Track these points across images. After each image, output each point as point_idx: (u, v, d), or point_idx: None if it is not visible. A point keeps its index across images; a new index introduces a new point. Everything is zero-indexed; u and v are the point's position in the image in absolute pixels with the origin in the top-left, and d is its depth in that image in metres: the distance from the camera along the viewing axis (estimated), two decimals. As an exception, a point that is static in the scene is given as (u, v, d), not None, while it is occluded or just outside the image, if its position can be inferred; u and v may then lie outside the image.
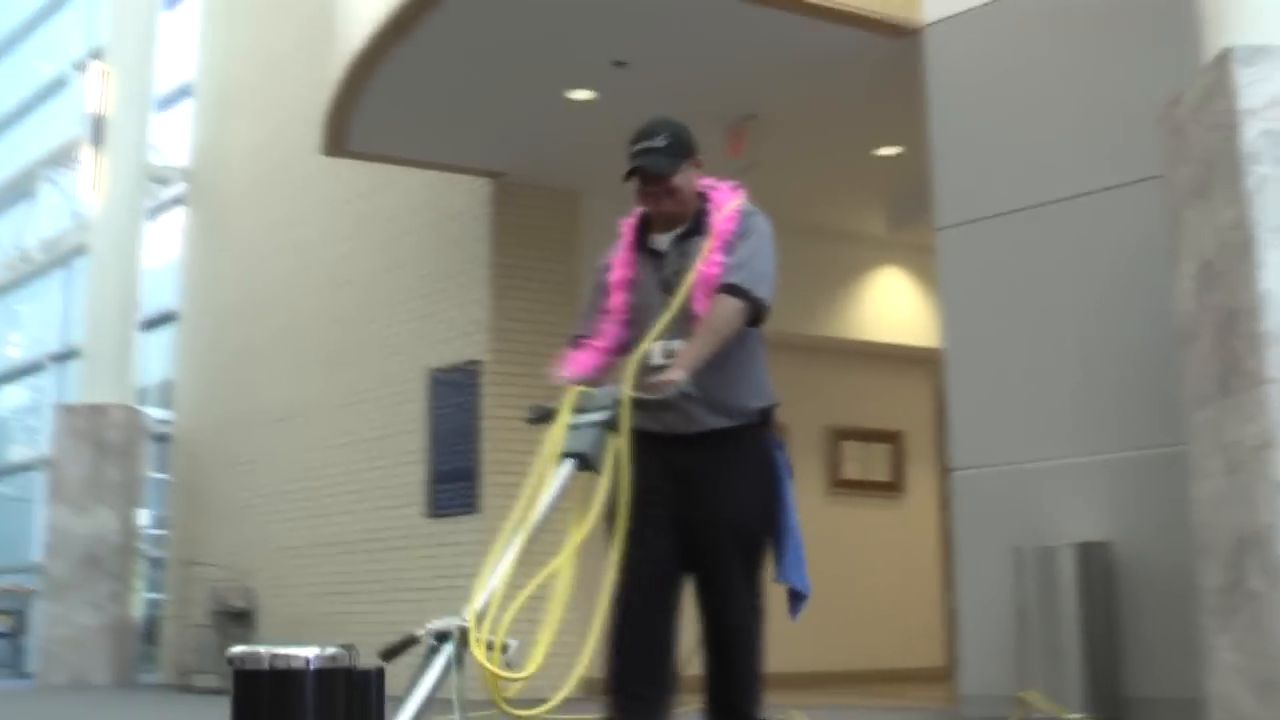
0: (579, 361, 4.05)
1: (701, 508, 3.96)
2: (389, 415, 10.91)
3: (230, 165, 13.74)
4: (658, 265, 4.09)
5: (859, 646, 11.40)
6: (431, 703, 3.11)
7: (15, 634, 15.49)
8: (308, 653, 2.97)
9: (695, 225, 4.07)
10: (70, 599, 12.91)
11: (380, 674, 3.10)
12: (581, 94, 8.81)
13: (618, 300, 4.12)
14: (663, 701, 3.94)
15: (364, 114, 9.15)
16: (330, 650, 3.00)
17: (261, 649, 2.99)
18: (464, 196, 10.47)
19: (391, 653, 3.21)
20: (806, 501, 12.55)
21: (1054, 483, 6.69)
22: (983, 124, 7.37)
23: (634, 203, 4.17)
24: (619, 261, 4.17)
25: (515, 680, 3.22)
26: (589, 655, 3.43)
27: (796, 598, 4.05)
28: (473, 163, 10.18)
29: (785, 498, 4.08)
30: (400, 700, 3.11)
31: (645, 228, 4.16)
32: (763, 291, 3.98)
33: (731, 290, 3.93)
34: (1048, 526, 6.57)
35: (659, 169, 4.00)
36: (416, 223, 10.94)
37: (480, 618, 3.20)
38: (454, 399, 10.23)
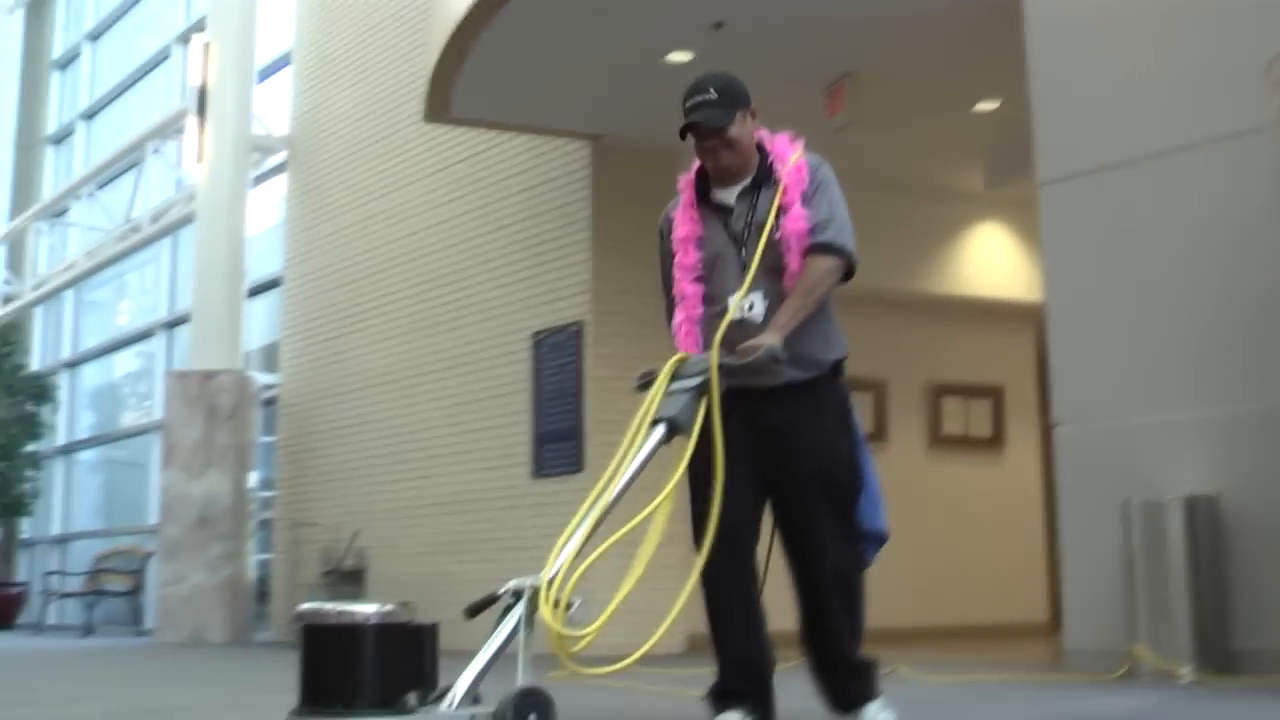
0: (686, 339, 4.02)
1: (787, 461, 3.97)
2: (492, 377, 11.06)
3: (330, 133, 13.93)
4: (725, 219, 4.05)
5: (961, 601, 11.42)
6: (500, 658, 3.25)
7: (134, 593, 15.96)
8: (368, 609, 3.20)
9: (761, 177, 4.04)
10: (185, 560, 13.28)
11: (434, 629, 3.33)
12: (680, 56, 8.85)
13: (690, 257, 4.08)
14: (763, 688, 3.98)
15: (465, 80, 9.26)
16: (389, 607, 3.21)
17: (327, 606, 3.23)
18: (563, 160, 10.56)
19: (475, 610, 3.37)
20: (907, 457, 12.48)
21: (1160, 437, 6.66)
22: (1084, 77, 7.29)
23: (693, 158, 4.14)
24: (682, 218, 4.12)
25: (579, 637, 3.32)
26: (673, 616, 3.45)
27: (873, 541, 4.06)
28: (572, 126, 10.27)
29: (862, 444, 4.10)
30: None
31: (704, 183, 4.13)
32: (853, 246, 3.98)
33: (825, 249, 3.93)
34: (1154, 481, 6.54)
35: (714, 121, 3.96)
36: (516, 186, 11.05)
37: (554, 578, 3.29)
38: (557, 360, 10.36)
